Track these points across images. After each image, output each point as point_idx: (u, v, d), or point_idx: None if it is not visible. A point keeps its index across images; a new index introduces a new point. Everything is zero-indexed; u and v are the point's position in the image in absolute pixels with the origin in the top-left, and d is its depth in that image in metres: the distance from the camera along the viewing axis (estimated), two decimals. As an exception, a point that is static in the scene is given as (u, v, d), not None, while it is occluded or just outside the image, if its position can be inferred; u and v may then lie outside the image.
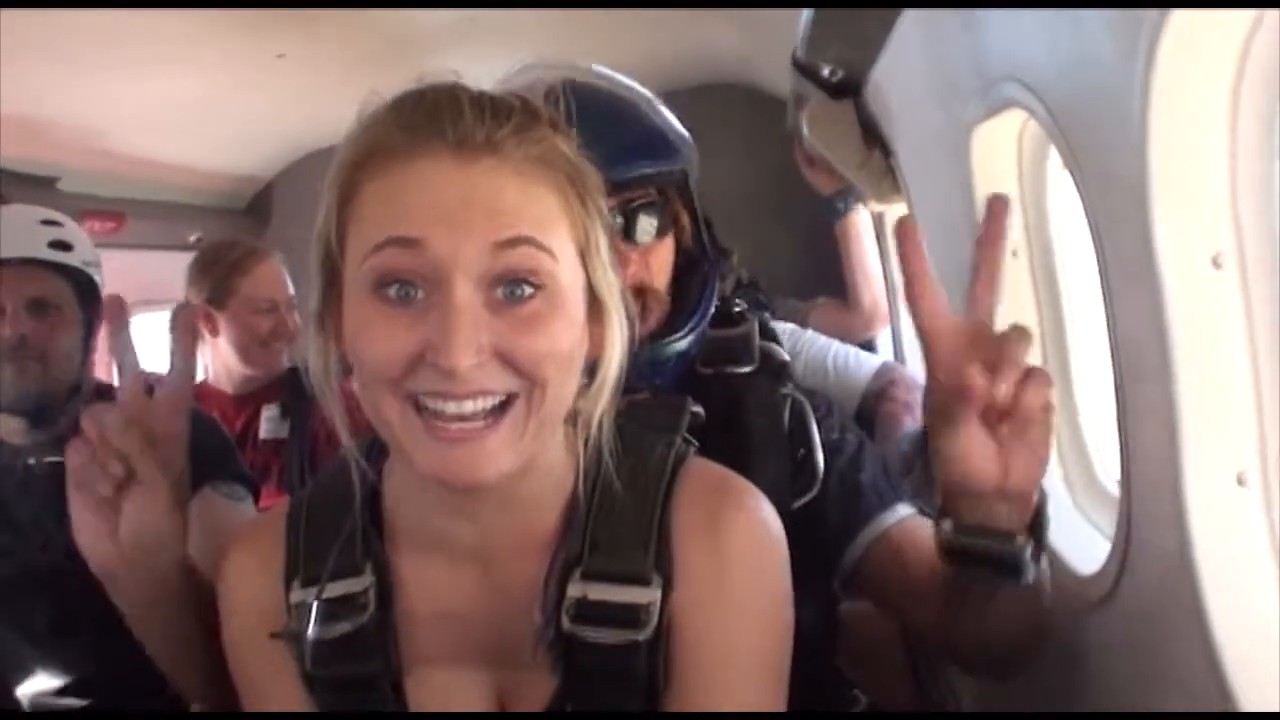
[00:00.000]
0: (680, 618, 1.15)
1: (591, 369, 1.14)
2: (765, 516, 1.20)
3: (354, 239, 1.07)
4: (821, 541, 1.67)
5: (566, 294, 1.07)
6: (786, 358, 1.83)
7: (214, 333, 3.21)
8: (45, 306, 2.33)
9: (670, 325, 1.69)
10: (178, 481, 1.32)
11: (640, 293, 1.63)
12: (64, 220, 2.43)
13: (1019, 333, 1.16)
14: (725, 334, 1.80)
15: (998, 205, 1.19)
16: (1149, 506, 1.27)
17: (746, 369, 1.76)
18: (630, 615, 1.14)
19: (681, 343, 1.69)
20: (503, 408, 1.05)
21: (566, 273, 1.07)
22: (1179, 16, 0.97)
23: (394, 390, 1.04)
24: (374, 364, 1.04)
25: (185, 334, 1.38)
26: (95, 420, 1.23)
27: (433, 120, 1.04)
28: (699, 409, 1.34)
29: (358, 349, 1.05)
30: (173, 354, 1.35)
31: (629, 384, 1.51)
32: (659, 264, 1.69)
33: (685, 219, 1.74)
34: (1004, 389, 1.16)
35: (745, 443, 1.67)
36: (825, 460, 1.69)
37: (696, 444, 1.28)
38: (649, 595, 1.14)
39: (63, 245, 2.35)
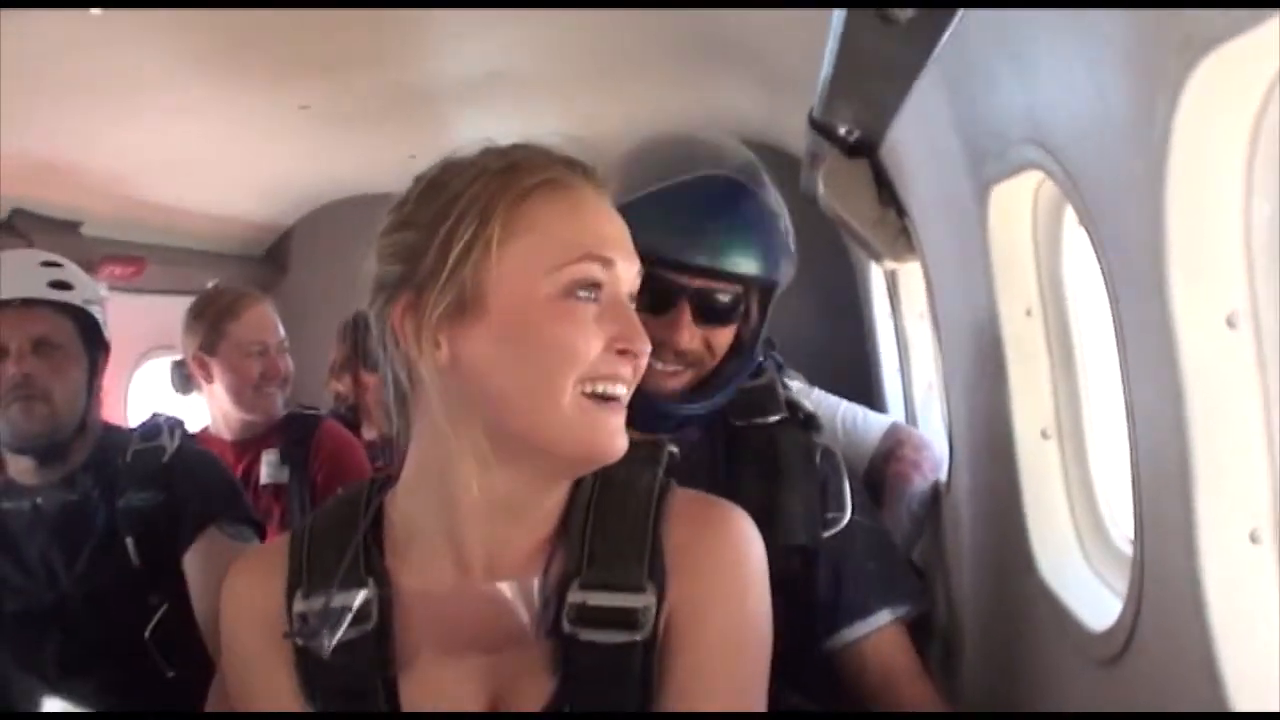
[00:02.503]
0: (674, 621, 1.25)
1: None
2: (749, 533, 1.31)
3: (530, 249, 1.20)
4: (807, 602, 1.80)
5: None
6: (812, 409, 1.94)
7: (208, 379, 3.23)
8: (48, 346, 2.35)
9: (693, 394, 1.83)
10: None
11: (681, 355, 1.78)
12: (64, 261, 2.46)
13: None
14: (750, 385, 1.91)
15: None
16: (1162, 563, 1.28)
17: (775, 418, 1.90)
18: (628, 617, 1.23)
19: (691, 410, 1.83)
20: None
21: None
22: (1197, 80, 0.99)
23: (576, 381, 1.19)
24: (572, 350, 1.19)
25: None
26: None
27: (571, 162, 1.26)
28: (674, 448, 1.43)
29: (550, 339, 1.19)
30: None
31: (645, 428, 1.62)
32: (719, 344, 1.83)
33: (755, 315, 1.88)
34: None
35: (780, 482, 1.81)
36: (844, 536, 1.83)
37: (674, 480, 1.37)
38: (645, 600, 1.24)
39: (63, 285, 2.38)
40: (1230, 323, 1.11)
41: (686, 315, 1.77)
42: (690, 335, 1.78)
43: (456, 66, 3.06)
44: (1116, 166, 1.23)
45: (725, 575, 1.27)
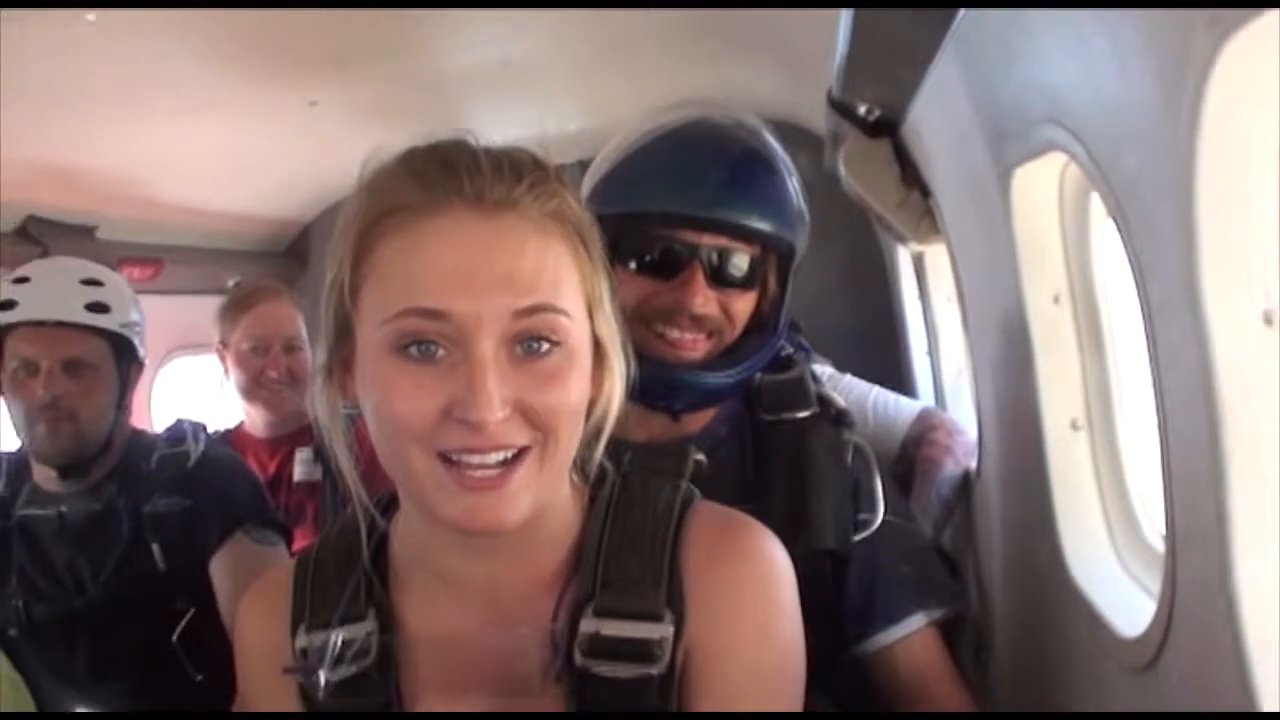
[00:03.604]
0: (693, 653, 1.17)
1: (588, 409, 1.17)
2: (773, 553, 1.22)
3: (371, 297, 1.08)
4: (837, 606, 1.76)
5: (578, 348, 1.11)
6: (844, 405, 1.88)
7: (227, 373, 3.23)
8: (80, 366, 2.35)
9: (711, 364, 1.76)
10: None
11: (697, 321, 1.72)
12: (106, 279, 2.44)
13: None
14: (779, 379, 1.88)
15: None
16: (1194, 566, 1.22)
17: (805, 413, 1.83)
18: (643, 650, 1.15)
19: (710, 381, 1.75)
20: (517, 457, 1.08)
21: (578, 328, 1.11)
22: (1227, 58, 0.93)
23: (423, 445, 1.06)
24: (403, 420, 1.06)
25: None
26: None
27: (448, 175, 1.07)
28: (701, 456, 1.36)
29: (383, 406, 1.07)
30: None
31: (649, 400, 1.56)
32: (737, 311, 1.77)
33: (774, 286, 1.83)
34: None
35: (809, 480, 1.75)
36: (877, 538, 1.77)
37: (698, 492, 1.30)
38: (661, 630, 1.16)
39: (100, 308, 2.37)
40: (1268, 318, 1.05)
41: (699, 277, 1.71)
42: (704, 299, 1.72)
43: (469, 54, 3.01)
44: (1142, 148, 1.17)
45: (749, 606, 1.19)
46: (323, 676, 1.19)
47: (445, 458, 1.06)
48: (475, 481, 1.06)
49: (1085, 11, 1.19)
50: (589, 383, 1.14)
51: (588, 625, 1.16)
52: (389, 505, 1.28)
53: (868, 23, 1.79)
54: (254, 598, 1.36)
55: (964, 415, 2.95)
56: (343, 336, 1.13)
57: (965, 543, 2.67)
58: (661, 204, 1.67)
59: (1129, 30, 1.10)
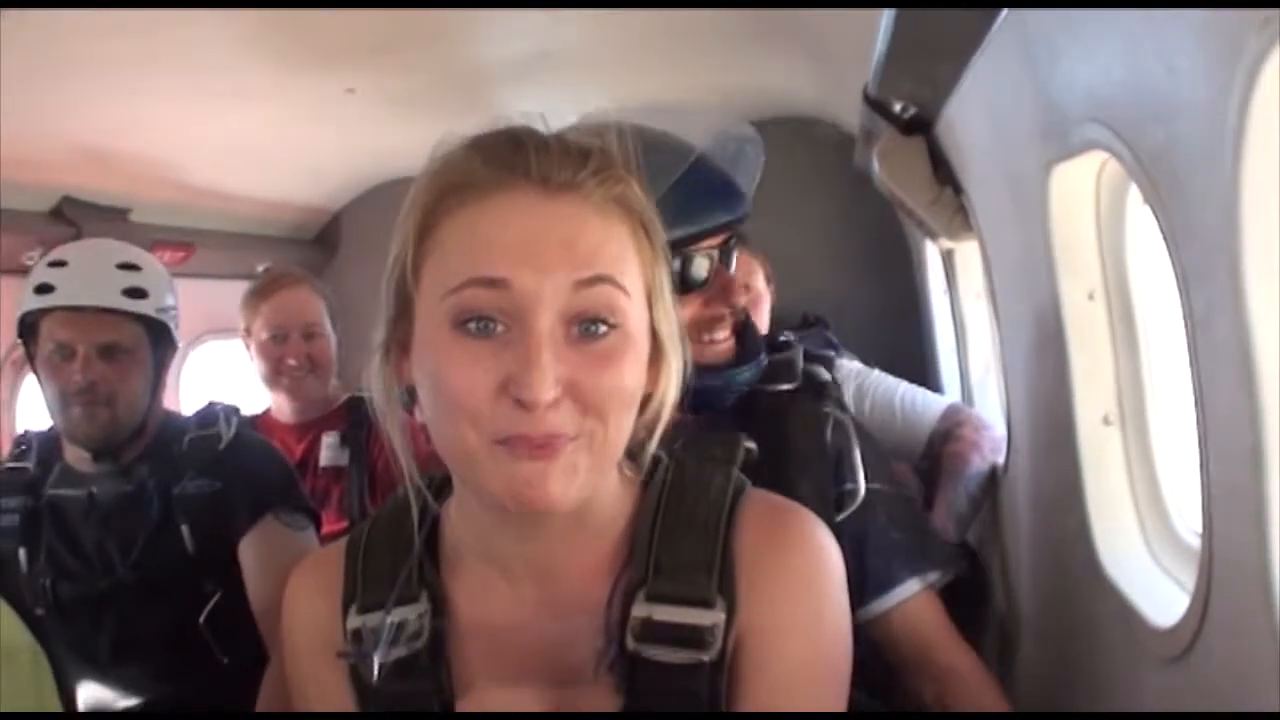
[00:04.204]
0: (743, 639, 1.16)
1: (643, 404, 1.15)
2: (824, 542, 1.21)
3: (433, 272, 1.08)
4: None
5: (636, 333, 1.09)
6: (829, 378, 1.88)
7: (251, 361, 3.25)
8: (116, 351, 2.35)
9: (738, 357, 1.77)
10: None
11: (716, 322, 1.72)
12: (143, 262, 2.44)
13: None
14: (774, 358, 1.85)
15: None
16: (1231, 559, 1.23)
17: (789, 386, 1.83)
18: (695, 636, 1.15)
19: (748, 373, 1.76)
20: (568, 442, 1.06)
21: (636, 312, 1.09)
22: (1277, 62, 0.94)
23: (478, 429, 1.05)
24: (457, 397, 1.04)
25: None
26: None
27: (516, 156, 1.07)
28: (752, 445, 1.36)
29: (439, 381, 1.06)
30: None
31: (704, 407, 1.57)
32: (760, 310, 1.74)
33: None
34: None
35: (789, 455, 1.74)
36: (863, 508, 1.76)
37: (749, 480, 1.28)
38: (713, 617, 1.15)
39: (138, 293, 2.36)
40: (1310, 313, 1.06)
41: (726, 275, 1.72)
42: (739, 290, 1.75)
43: (505, 46, 3.03)
44: (1187, 149, 1.18)
45: (800, 593, 1.18)
46: (376, 660, 1.19)
47: (502, 442, 1.05)
48: (523, 452, 1.04)
49: (1133, 11, 1.20)
50: (644, 372, 1.12)
51: (640, 610, 1.15)
52: (441, 488, 1.27)
53: (909, 20, 1.79)
54: (304, 575, 1.33)
55: (991, 411, 2.96)
56: (401, 316, 1.13)
57: (991, 538, 2.68)
58: (707, 220, 1.66)
59: (1178, 30, 1.11)
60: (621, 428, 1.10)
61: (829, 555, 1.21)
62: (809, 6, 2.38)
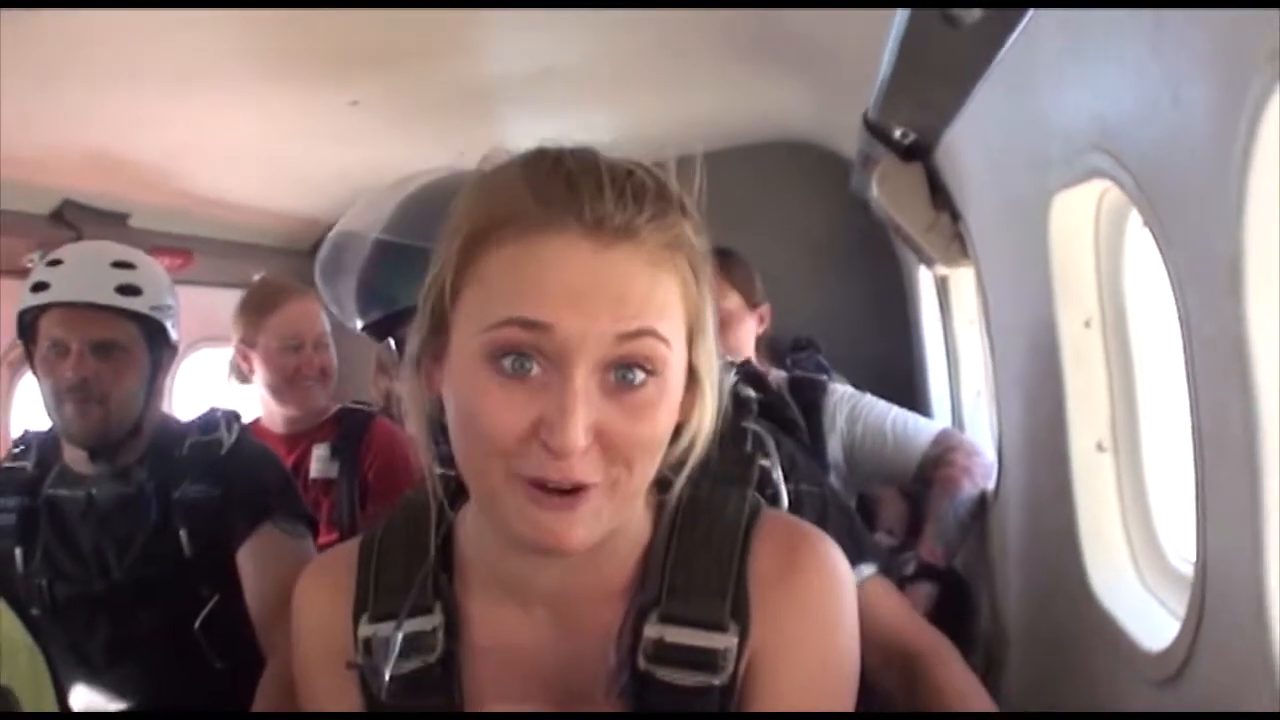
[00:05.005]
0: (755, 663, 1.16)
1: (675, 433, 1.13)
2: (839, 566, 1.20)
3: (473, 302, 1.06)
4: None
5: (673, 380, 1.07)
6: (752, 394, 1.87)
7: (251, 372, 3.25)
8: (110, 349, 2.35)
9: None
10: None
11: None
12: (138, 261, 2.44)
13: None
14: None
15: None
16: (1224, 584, 1.25)
17: None
18: (707, 659, 1.14)
19: None
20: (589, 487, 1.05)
21: (676, 359, 1.07)
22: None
23: (503, 465, 1.03)
24: (487, 434, 1.03)
25: None
26: None
27: (571, 195, 1.03)
28: (766, 462, 1.36)
29: (470, 416, 1.05)
30: None
31: None
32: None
33: None
34: None
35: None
36: (791, 509, 1.73)
37: (764, 501, 1.27)
38: (726, 641, 1.14)
39: (131, 290, 2.36)
40: (1311, 345, 1.07)
41: None
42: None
43: (508, 62, 3.04)
44: (1192, 180, 1.20)
45: (813, 619, 1.17)
46: (386, 674, 1.18)
47: (529, 481, 1.03)
48: (547, 500, 1.03)
49: (1140, 41, 1.22)
50: (676, 415, 1.10)
51: (652, 630, 1.15)
52: (456, 494, 1.24)
53: (914, 45, 1.81)
54: (314, 579, 1.32)
55: (981, 436, 2.97)
56: (436, 332, 1.11)
57: (979, 563, 2.69)
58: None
59: (1186, 60, 1.13)
60: (646, 474, 1.09)
61: (842, 580, 1.20)
62: (815, 6, 2.38)
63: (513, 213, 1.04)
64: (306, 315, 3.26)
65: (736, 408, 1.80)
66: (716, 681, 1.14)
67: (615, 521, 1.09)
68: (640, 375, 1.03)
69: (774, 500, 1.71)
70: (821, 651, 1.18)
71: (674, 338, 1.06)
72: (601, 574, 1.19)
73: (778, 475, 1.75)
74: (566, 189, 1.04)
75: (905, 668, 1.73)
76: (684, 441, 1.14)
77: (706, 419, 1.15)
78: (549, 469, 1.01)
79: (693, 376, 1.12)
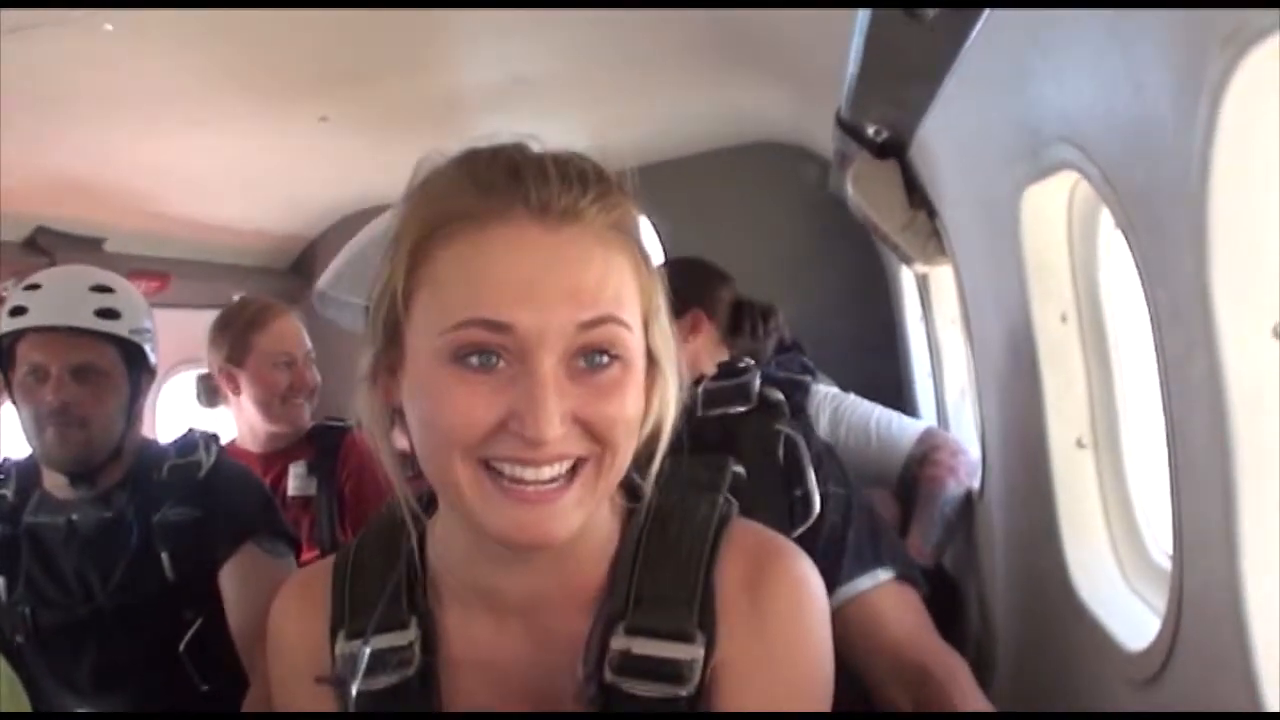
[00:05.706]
0: (722, 676, 1.15)
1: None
2: (808, 576, 1.19)
3: (428, 306, 1.05)
4: None
5: (636, 361, 1.08)
6: (782, 397, 1.86)
7: (235, 391, 3.23)
8: (90, 373, 2.35)
9: None
10: None
11: None
12: (117, 285, 2.44)
13: None
14: (722, 383, 1.86)
15: None
16: (1202, 581, 1.23)
17: (742, 408, 1.82)
18: (673, 671, 1.13)
19: None
20: (574, 470, 1.06)
21: (636, 342, 1.08)
22: (1243, 76, 0.94)
23: (467, 455, 1.03)
24: (452, 430, 1.03)
25: None
26: None
27: (514, 181, 1.04)
28: (740, 468, 1.34)
29: (433, 415, 1.04)
30: None
31: None
32: None
33: None
34: None
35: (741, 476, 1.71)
36: (816, 521, 1.72)
37: (737, 503, 1.27)
38: (692, 652, 1.13)
39: (111, 313, 2.36)
40: (1277, 332, 1.06)
41: None
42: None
43: (477, 72, 3.03)
44: (1156, 168, 1.18)
45: (779, 630, 1.16)
46: (353, 689, 1.17)
47: (489, 466, 1.04)
48: (525, 495, 1.03)
49: (1100, 30, 1.21)
50: (643, 397, 1.10)
51: (618, 642, 1.14)
52: (428, 505, 1.24)
53: (878, 43, 1.79)
54: (290, 597, 1.31)
55: (966, 435, 2.96)
56: (391, 343, 1.10)
57: (966, 562, 2.68)
58: None
59: (1145, 49, 1.11)
60: (627, 453, 1.09)
61: (811, 590, 1.19)
62: (780, 6, 2.36)
63: (458, 208, 1.04)
64: (295, 331, 3.27)
65: (767, 411, 1.82)
66: (683, 693, 1.13)
67: (592, 505, 1.09)
68: (605, 358, 1.04)
69: (805, 504, 1.71)
70: (787, 661, 1.16)
71: (632, 321, 1.06)
72: (570, 581, 1.18)
73: (811, 480, 1.74)
74: (509, 176, 1.04)
75: (914, 683, 1.69)
76: (649, 426, 1.13)
77: (670, 405, 1.15)
78: (524, 452, 1.02)
79: (650, 361, 1.11)
